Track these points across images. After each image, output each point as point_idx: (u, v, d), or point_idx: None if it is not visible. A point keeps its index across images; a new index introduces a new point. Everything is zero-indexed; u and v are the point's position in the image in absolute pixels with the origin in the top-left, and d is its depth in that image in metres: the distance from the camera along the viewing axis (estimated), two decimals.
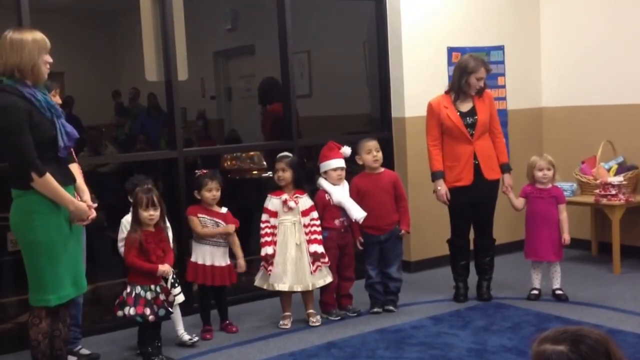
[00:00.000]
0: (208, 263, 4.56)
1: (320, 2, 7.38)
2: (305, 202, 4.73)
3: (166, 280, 4.24)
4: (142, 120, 8.86)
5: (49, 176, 3.41)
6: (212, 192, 4.56)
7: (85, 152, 7.21)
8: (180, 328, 4.47)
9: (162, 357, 4.18)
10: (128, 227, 4.21)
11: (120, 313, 4.09)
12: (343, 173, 4.86)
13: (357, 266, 5.00)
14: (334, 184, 4.83)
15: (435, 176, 4.98)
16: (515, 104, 6.42)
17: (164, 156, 5.59)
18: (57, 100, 3.80)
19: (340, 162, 4.83)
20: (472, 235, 5.16)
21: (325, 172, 4.84)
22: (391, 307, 4.95)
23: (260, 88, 6.91)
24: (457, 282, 5.15)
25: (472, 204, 4.99)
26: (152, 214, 4.08)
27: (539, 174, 5.00)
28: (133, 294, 4.07)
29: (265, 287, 4.73)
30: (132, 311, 4.05)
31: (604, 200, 5.67)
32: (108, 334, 4.71)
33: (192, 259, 4.60)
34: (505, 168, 5.06)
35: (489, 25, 6.29)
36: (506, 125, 6.20)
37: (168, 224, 4.39)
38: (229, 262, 4.61)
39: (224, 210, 4.64)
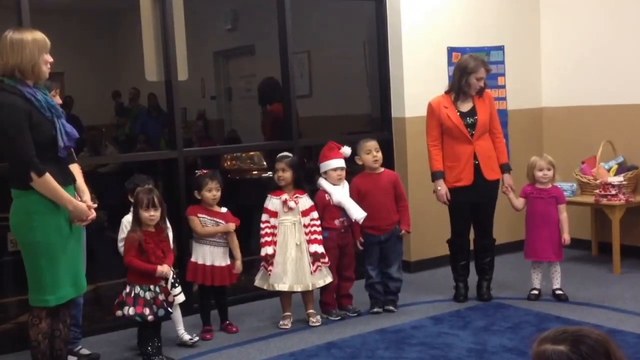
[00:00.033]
0: (208, 263, 4.56)
1: (320, 2, 7.39)
2: (305, 202, 4.73)
3: (166, 280, 4.24)
4: (142, 120, 8.86)
5: (48, 176, 3.41)
6: (212, 192, 4.56)
7: (85, 152, 7.22)
8: (181, 328, 4.47)
9: (162, 357, 4.18)
10: (129, 227, 4.21)
11: (119, 313, 4.10)
12: (343, 173, 4.86)
13: (357, 266, 5.00)
14: (334, 184, 4.83)
15: (435, 176, 4.98)
16: (515, 104, 6.42)
17: (164, 156, 5.60)
18: (57, 100, 3.80)
19: (340, 162, 4.83)
20: (472, 236, 5.16)
21: (325, 172, 4.85)
22: (391, 307, 4.95)
23: (260, 88, 6.91)
24: (457, 282, 5.15)
25: (472, 204, 4.99)
26: (152, 215, 4.08)
27: (539, 174, 5.00)
28: (132, 294, 4.07)
29: (265, 287, 4.73)
30: (131, 311, 4.06)
31: (604, 200, 5.67)
32: (108, 334, 4.71)
33: (192, 259, 4.60)
34: (505, 168, 5.06)
35: (489, 25, 6.29)
36: (506, 126, 6.20)
37: (168, 224, 4.39)
38: (229, 262, 4.61)
39: (224, 210, 4.64)
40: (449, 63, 5.98)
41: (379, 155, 4.92)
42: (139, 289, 4.07)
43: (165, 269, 4.10)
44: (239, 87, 9.65)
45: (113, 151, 8.15)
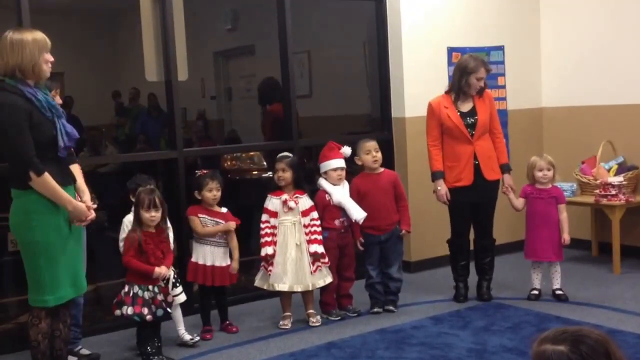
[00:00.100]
0: (209, 263, 4.56)
1: (320, 2, 7.39)
2: (305, 202, 4.73)
3: (167, 280, 4.24)
4: (142, 120, 8.86)
5: (47, 176, 3.41)
6: (212, 192, 4.56)
7: (85, 152, 7.22)
8: (182, 328, 4.47)
9: (162, 357, 4.18)
10: (130, 227, 4.21)
11: (117, 312, 4.09)
12: (343, 173, 4.86)
13: (357, 266, 5.00)
14: (334, 184, 4.83)
15: (435, 176, 4.98)
16: (515, 104, 6.42)
17: (164, 156, 5.60)
18: (57, 100, 3.80)
19: (340, 162, 4.83)
20: (472, 236, 5.16)
21: (326, 173, 4.84)
22: (391, 307, 4.95)
23: (260, 88, 6.92)
24: (457, 282, 5.15)
25: (472, 204, 4.99)
26: (153, 215, 4.08)
27: (539, 174, 5.00)
28: (131, 294, 4.07)
29: (265, 287, 4.73)
30: (129, 310, 4.05)
31: (604, 201, 5.67)
32: (108, 334, 4.71)
33: (193, 259, 4.60)
34: (505, 168, 5.06)
35: (489, 26, 6.29)
36: (506, 126, 6.20)
37: (169, 225, 4.39)
38: (229, 263, 4.61)
39: (224, 210, 4.64)
40: (449, 63, 5.98)
41: (379, 155, 4.92)
42: (137, 288, 4.07)
43: (163, 270, 4.09)
44: (239, 87, 9.65)
45: (113, 151, 8.15)
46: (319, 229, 4.71)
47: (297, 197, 4.71)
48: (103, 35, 10.64)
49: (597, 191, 5.70)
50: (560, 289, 5.05)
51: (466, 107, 4.96)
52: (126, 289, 4.10)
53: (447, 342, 4.29)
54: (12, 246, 5.18)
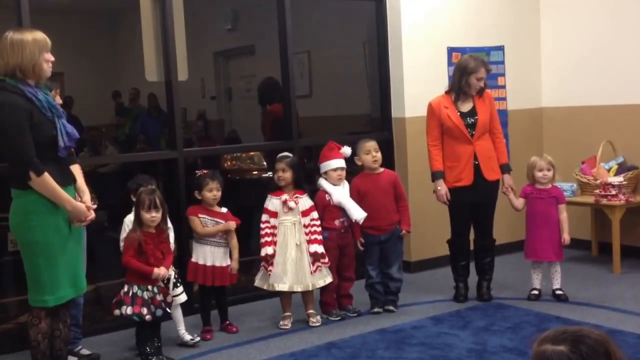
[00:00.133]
0: (209, 263, 4.56)
1: (320, 2, 7.39)
2: (305, 202, 4.73)
3: (168, 280, 4.24)
4: (142, 120, 8.86)
5: (47, 175, 3.41)
6: (212, 192, 4.56)
7: (85, 152, 7.22)
8: (182, 328, 4.47)
9: (162, 357, 4.18)
10: (130, 227, 4.21)
11: (117, 312, 4.09)
12: (343, 173, 4.86)
13: (357, 266, 5.00)
14: (334, 184, 4.83)
15: (435, 176, 4.98)
16: (515, 104, 6.42)
17: (164, 156, 5.60)
18: (57, 100, 3.81)
19: (340, 162, 4.83)
20: (472, 236, 5.16)
21: (326, 173, 4.85)
22: (391, 307, 4.95)
23: (260, 88, 6.92)
24: (457, 282, 5.15)
25: (472, 204, 4.99)
26: (154, 216, 4.08)
27: (539, 174, 5.00)
28: (130, 293, 4.07)
29: (265, 287, 4.73)
30: (128, 310, 4.05)
31: (604, 201, 5.67)
32: (108, 334, 4.71)
33: (193, 259, 4.60)
34: (505, 168, 5.06)
35: (489, 26, 6.29)
36: (506, 126, 6.20)
37: (170, 225, 4.39)
38: (229, 263, 4.61)
39: (224, 210, 4.64)
40: (449, 63, 5.98)
41: (379, 155, 4.92)
42: (136, 288, 4.07)
43: (162, 271, 4.09)
44: (239, 87, 9.65)
45: (113, 151, 8.15)
46: (319, 229, 4.71)
47: (297, 197, 4.71)
48: (103, 35, 10.64)
49: (597, 191, 5.70)
50: (560, 289, 5.05)
51: (466, 107, 4.96)
52: (125, 288, 4.09)
53: (447, 342, 4.29)
54: (12, 246, 5.17)
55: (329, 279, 4.76)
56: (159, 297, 4.11)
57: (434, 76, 5.86)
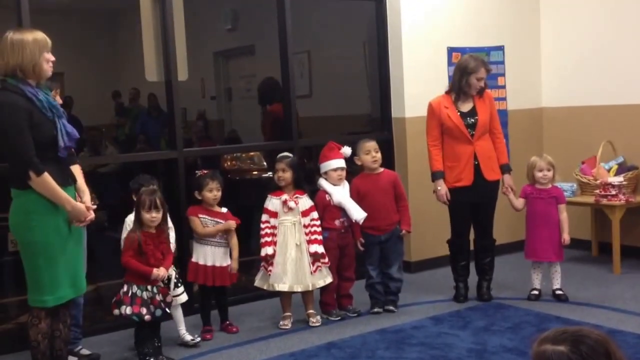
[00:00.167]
0: (209, 263, 4.56)
1: (320, 2, 7.39)
2: (305, 202, 4.73)
3: (169, 280, 4.24)
4: (142, 120, 8.86)
5: (46, 175, 3.41)
6: (213, 192, 4.56)
7: (85, 152, 7.22)
8: (182, 328, 4.47)
9: (162, 357, 4.18)
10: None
11: (116, 311, 4.09)
12: (343, 173, 4.86)
13: (357, 266, 5.00)
14: (335, 185, 4.83)
15: (435, 176, 4.98)
16: (515, 104, 6.42)
17: (164, 156, 5.60)
18: (57, 100, 3.81)
19: (340, 163, 4.83)
20: (472, 236, 5.16)
21: (326, 173, 4.84)
22: (391, 307, 4.95)
23: (260, 88, 6.92)
24: (457, 282, 5.15)
25: (472, 204, 4.99)
26: (154, 216, 4.08)
27: (539, 174, 5.00)
28: (130, 293, 4.06)
29: (265, 287, 4.73)
30: (128, 310, 4.05)
31: (604, 201, 5.67)
32: (109, 334, 4.71)
33: (193, 259, 4.60)
34: (505, 169, 5.06)
35: (489, 26, 6.29)
36: (506, 126, 6.20)
37: (171, 225, 4.39)
38: (229, 263, 4.61)
39: (224, 210, 4.64)
40: (449, 63, 5.98)
41: (378, 155, 4.92)
42: (136, 288, 4.06)
43: (162, 272, 4.08)
44: (239, 87, 9.65)
45: (113, 151, 8.16)
46: (319, 229, 4.71)
47: (297, 197, 4.71)
48: (103, 35, 10.64)
49: (597, 191, 5.70)
50: (560, 289, 5.05)
51: (466, 107, 4.96)
52: (125, 288, 4.09)
53: (447, 342, 4.29)
54: (12, 246, 5.18)
55: (329, 279, 4.76)
56: (159, 297, 4.10)
57: (434, 76, 5.86)
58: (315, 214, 4.73)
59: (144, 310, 4.05)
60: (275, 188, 4.77)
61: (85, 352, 4.29)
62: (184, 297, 4.47)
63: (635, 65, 5.94)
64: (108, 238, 6.23)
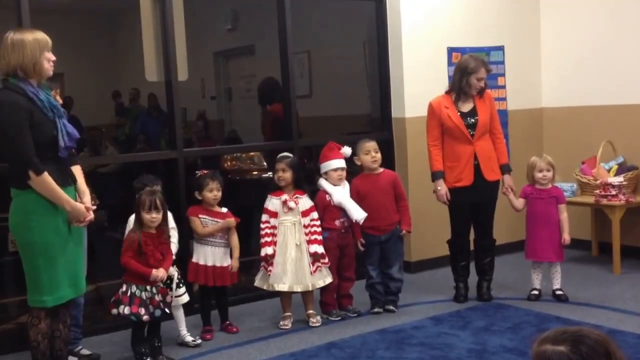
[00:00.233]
0: (209, 263, 4.56)
1: (320, 2, 7.39)
2: (305, 202, 4.73)
3: (171, 280, 4.23)
4: (142, 120, 8.86)
5: (46, 175, 3.41)
6: (213, 192, 4.56)
7: (85, 153, 7.22)
8: (183, 329, 4.47)
9: (162, 357, 4.18)
10: None
11: (114, 311, 4.08)
12: (343, 173, 4.86)
13: (357, 267, 5.00)
14: (335, 185, 4.83)
15: (435, 176, 4.98)
16: (515, 104, 6.42)
17: (164, 156, 5.60)
18: (57, 100, 3.81)
19: (340, 163, 4.83)
20: (472, 236, 5.16)
21: (326, 173, 4.84)
22: (392, 308, 4.95)
23: (260, 88, 6.92)
24: (458, 282, 5.15)
25: (472, 204, 4.99)
26: (154, 217, 4.07)
27: (539, 175, 5.00)
28: (128, 293, 4.06)
29: (265, 287, 4.73)
30: (126, 310, 4.04)
31: (604, 201, 5.67)
32: (109, 334, 4.71)
33: (194, 259, 4.60)
34: (505, 169, 5.06)
35: (489, 26, 6.29)
36: (506, 126, 6.20)
37: (174, 225, 4.39)
38: (230, 263, 4.61)
39: (224, 210, 4.64)
40: (449, 63, 5.98)
41: (378, 155, 4.92)
42: (135, 288, 4.06)
43: (161, 273, 4.07)
44: (239, 87, 9.65)
45: (113, 151, 8.15)
46: (319, 229, 4.70)
47: (297, 197, 4.71)
48: (103, 35, 10.64)
49: (597, 191, 5.70)
50: (560, 289, 5.05)
51: (467, 107, 4.96)
52: (124, 288, 4.08)
53: (447, 342, 4.29)
54: (12, 246, 5.17)
55: (328, 279, 4.76)
56: (158, 298, 4.10)
57: (434, 76, 5.86)
58: (315, 214, 4.73)
59: (142, 311, 4.05)
60: (275, 188, 4.77)
61: (85, 352, 4.29)
62: (185, 298, 4.46)
63: (635, 65, 5.94)
64: (108, 238, 6.24)
